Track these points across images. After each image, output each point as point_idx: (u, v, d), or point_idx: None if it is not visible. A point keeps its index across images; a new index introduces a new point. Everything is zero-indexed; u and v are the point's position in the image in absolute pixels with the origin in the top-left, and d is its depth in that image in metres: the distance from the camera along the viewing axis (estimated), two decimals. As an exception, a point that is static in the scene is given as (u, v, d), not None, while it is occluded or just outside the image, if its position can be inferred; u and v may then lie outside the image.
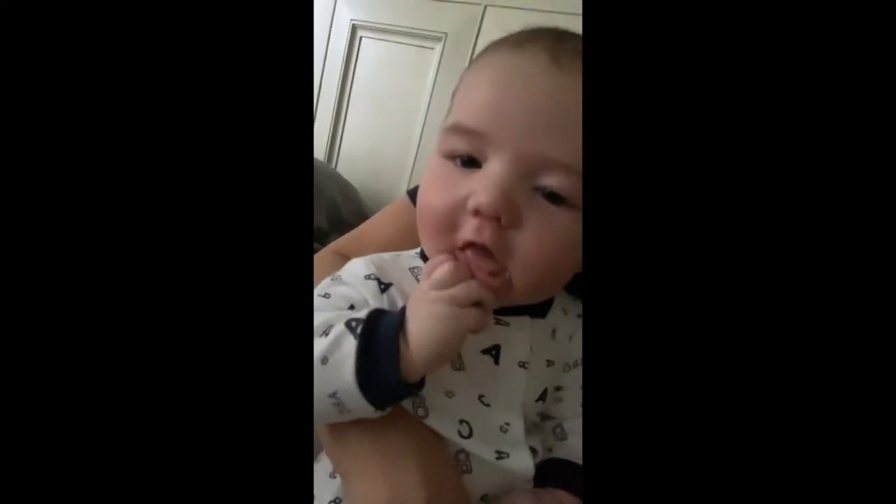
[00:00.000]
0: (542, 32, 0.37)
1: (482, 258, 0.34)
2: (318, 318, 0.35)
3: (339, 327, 0.33)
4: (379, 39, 1.32)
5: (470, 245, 0.34)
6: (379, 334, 0.33)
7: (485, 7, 1.12)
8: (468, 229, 0.34)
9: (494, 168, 0.34)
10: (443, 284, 0.33)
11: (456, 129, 0.35)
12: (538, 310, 0.41)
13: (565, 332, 0.43)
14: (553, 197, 0.34)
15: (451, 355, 0.35)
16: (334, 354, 0.32)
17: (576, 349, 0.43)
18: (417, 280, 0.40)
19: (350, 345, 0.32)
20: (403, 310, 0.34)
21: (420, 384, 0.34)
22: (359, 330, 0.33)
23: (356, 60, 1.36)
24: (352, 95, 1.38)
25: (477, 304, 0.33)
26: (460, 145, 0.35)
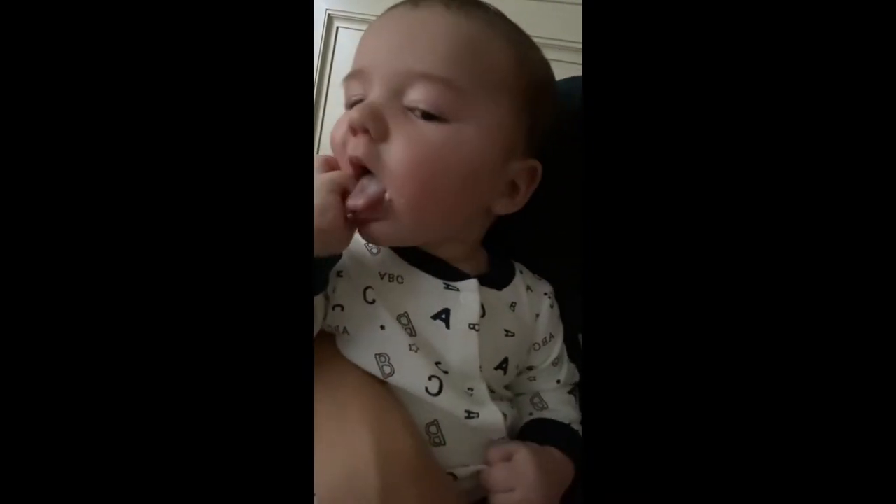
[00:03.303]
0: None
1: (364, 183, 0.37)
2: None
3: None
4: (356, 29, 1.30)
5: (353, 163, 0.37)
6: None
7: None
8: (348, 147, 0.37)
9: (369, 93, 0.37)
10: (318, 171, 0.37)
11: (346, 79, 0.39)
12: (491, 280, 0.43)
13: (531, 309, 0.44)
14: (426, 116, 0.36)
15: (330, 237, 0.35)
16: None
17: (543, 328, 0.45)
18: (370, 252, 0.42)
19: None
20: None
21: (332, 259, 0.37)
22: None
23: (333, 51, 1.34)
24: (330, 86, 1.36)
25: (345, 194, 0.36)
26: (352, 91, 0.39)
